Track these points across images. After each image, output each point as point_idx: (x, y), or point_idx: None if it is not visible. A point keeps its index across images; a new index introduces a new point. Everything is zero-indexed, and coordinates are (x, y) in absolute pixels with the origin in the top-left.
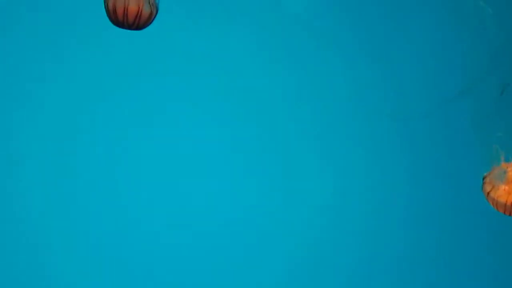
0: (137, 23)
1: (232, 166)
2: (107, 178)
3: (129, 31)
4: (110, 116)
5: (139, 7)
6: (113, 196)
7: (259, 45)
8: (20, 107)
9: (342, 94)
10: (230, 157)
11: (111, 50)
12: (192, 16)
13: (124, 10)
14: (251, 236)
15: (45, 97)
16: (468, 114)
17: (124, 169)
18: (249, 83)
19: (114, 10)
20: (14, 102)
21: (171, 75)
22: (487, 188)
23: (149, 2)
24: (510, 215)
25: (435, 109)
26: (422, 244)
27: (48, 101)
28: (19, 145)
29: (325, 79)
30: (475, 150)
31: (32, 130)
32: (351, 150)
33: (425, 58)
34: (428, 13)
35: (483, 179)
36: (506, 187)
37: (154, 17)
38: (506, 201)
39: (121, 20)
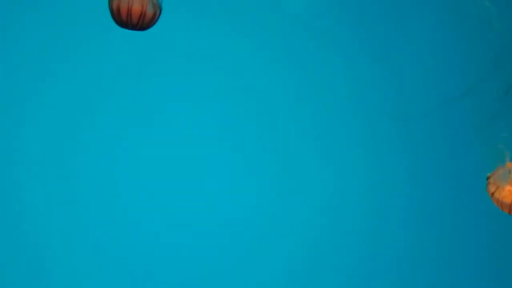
0: (141, 24)
1: (232, 166)
2: (107, 178)
3: (133, 31)
4: (113, 116)
5: (143, 8)
6: (113, 196)
7: (261, 46)
8: (24, 106)
9: (344, 94)
10: (231, 157)
11: (115, 50)
12: (195, 16)
13: (128, 11)
14: (251, 236)
15: (49, 97)
16: (472, 114)
17: (125, 169)
18: (251, 83)
19: (118, 11)
20: (19, 102)
21: (175, 75)
22: (491, 188)
23: (152, 3)
24: None
25: (439, 109)
26: (424, 245)
27: (53, 101)
28: (19, 145)
29: (326, 79)
30: (479, 151)
31: (35, 129)
32: (352, 150)
33: (427, 58)
34: (430, 12)
35: (487, 179)
36: (511, 188)
37: (158, 18)
38: (511, 201)
39: (125, 21)
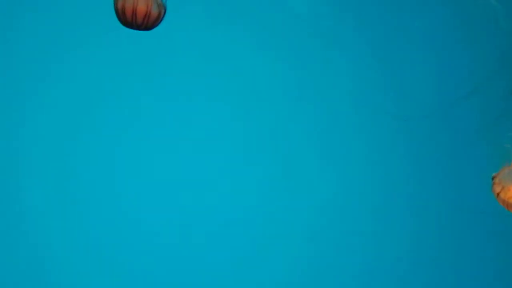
0: (146, 24)
1: (233, 165)
2: (108, 177)
3: (137, 31)
4: (117, 117)
5: (147, 8)
6: (113, 196)
7: (266, 45)
8: (27, 106)
9: (349, 93)
10: (231, 157)
11: (120, 50)
12: (199, 16)
13: (133, 11)
14: (252, 236)
15: (52, 97)
16: (478, 113)
17: (125, 169)
18: (255, 82)
19: (123, 11)
20: (21, 102)
21: (180, 75)
22: (497, 188)
23: (157, 3)
24: None
25: (445, 108)
26: (429, 245)
27: (56, 101)
28: (19, 145)
29: (331, 79)
30: (485, 150)
31: (35, 129)
32: (354, 150)
33: (433, 57)
34: (436, 11)
35: (492, 179)
36: None
37: (163, 18)
38: None
39: (130, 21)
